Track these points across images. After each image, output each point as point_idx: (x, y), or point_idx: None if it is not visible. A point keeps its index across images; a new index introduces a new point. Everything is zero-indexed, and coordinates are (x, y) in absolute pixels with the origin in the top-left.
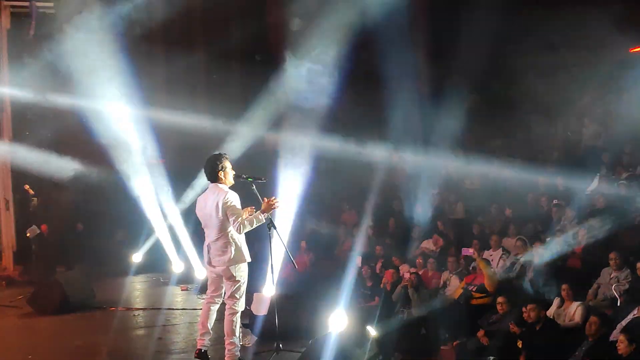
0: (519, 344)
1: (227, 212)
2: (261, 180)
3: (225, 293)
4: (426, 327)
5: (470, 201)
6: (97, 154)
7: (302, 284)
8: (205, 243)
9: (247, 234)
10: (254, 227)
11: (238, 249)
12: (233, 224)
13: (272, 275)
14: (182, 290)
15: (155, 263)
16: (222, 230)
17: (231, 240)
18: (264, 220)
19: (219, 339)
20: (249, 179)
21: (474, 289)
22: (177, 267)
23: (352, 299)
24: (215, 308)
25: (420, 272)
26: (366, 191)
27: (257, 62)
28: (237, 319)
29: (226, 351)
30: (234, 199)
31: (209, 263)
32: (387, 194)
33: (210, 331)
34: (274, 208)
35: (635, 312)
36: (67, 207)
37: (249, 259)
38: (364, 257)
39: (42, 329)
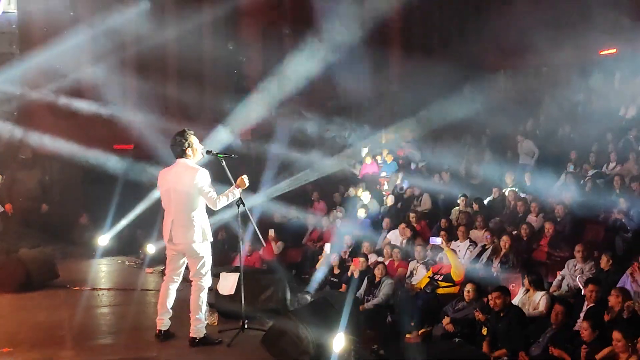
0: (484, 331)
1: (201, 189)
2: (231, 156)
3: (185, 271)
4: (392, 315)
5: (437, 194)
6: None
7: (270, 269)
8: (168, 219)
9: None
10: (229, 202)
11: (201, 227)
12: (209, 200)
13: (240, 254)
14: (147, 272)
15: (124, 246)
16: (188, 207)
17: (195, 218)
18: (238, 195)
19: (184, 316)
20: (219, 155)
21: (440, 279)
22: (149, 249)
23: (319, 285)
24: (174, 287)
25: (386, 262)
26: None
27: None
28: (204, 295)
29: (191, 327)
30: (207, 176)
31: (170, 240)
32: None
33: (170, 310)
34: (246, 185)
35: (586, 302)
36: (32, 187)
37: (211, 239)
38: (333, 246)
39: (3, 306)
